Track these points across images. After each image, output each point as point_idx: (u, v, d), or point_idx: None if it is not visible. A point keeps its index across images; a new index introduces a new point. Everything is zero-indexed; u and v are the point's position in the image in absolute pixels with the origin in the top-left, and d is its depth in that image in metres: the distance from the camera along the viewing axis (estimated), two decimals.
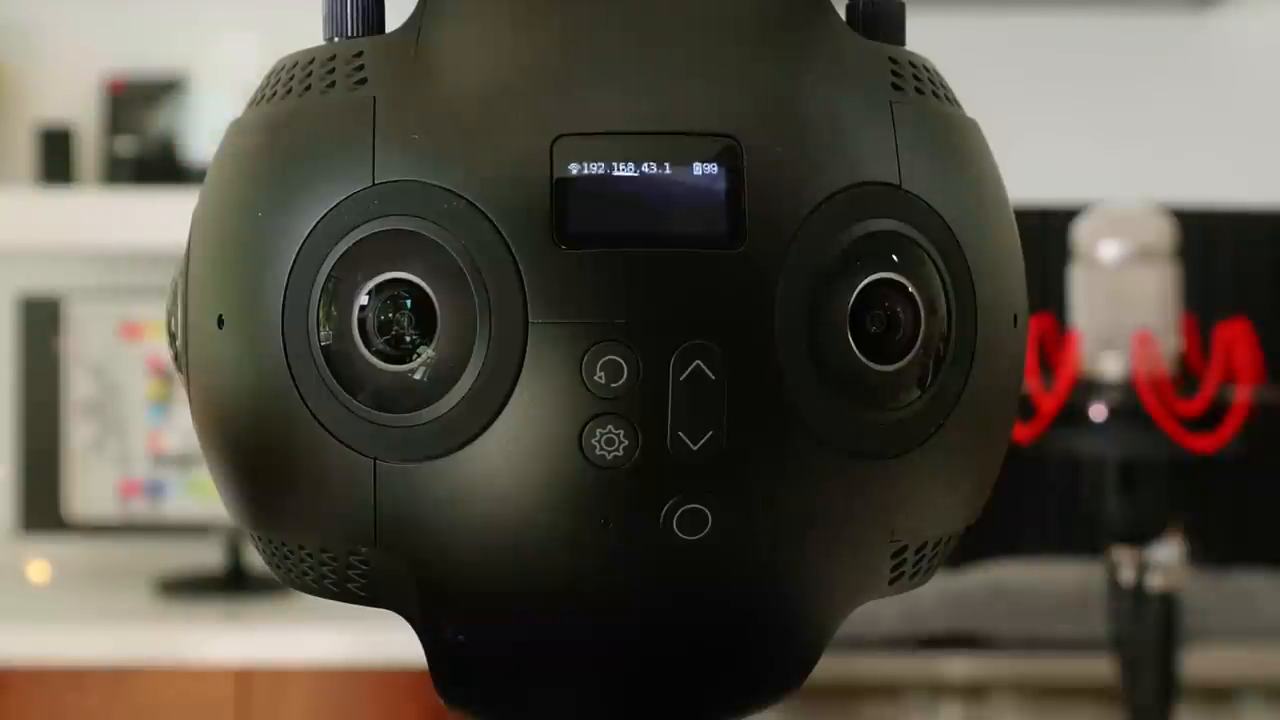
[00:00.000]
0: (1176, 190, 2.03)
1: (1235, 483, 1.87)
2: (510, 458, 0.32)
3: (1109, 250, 1.40)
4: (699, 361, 0.31)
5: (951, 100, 0.36)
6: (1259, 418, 1.29)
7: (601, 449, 0.31)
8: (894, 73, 0.35)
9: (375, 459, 0.32)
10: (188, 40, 2.14)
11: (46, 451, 2.06)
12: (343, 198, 0.32)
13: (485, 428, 0.32)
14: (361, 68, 0.34)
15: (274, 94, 0.35)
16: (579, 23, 0.33)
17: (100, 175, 2.13)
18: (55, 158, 2.07)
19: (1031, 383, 1.29)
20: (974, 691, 1.71)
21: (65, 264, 2.15)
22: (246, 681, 1.85)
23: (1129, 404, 1.29)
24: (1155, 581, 1.31)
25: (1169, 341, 1.33)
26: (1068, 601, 1.74)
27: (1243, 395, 1.28)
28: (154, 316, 2.03)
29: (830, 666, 0.44)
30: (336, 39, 0.35)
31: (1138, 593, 1.31)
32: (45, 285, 2.11)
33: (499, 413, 0.31)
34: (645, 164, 0.31)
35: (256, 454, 0.35)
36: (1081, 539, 1.63)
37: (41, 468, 2.06)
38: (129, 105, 2.13)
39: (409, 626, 0.34)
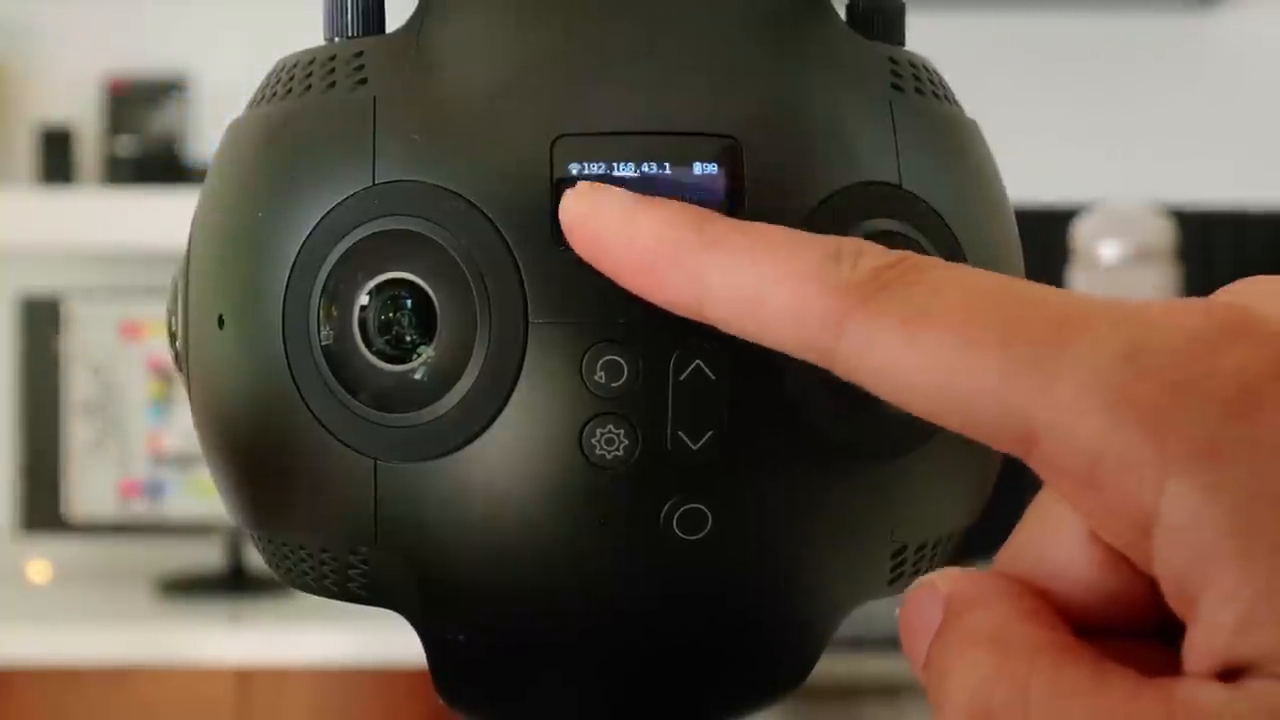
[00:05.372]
0: (1176, 190, 2.03)
1: None
2: (510, 458, 0.32)
3: (1109, 250, 1.40)
4: (699, 361, 0.31)
5: (951, 100, 0.36)
6: None
7: (601, 449, 0.31)
8: (894, 72, 0.35)
9: (375, 459, 0.32)
10: (188, 40, 2.14)
11: (46, 451, 2.06)
12: (343, 198, 0.32)
13: (485, 428, 0.32)
14: (362, 68, 0.34)
15: (274, 94, 0.35)
16: (580, 22, 0.33)
17: (100, 175, 2.13)
18: (55, 158, 2.07)
19: None
20: None
21: (65, 264, 2.15)
22: (247, 681, 1.86)
23: None
24: None
25: None
26: None
27: None
28: (154, 316, 2.03)
29: (830, 666, 0.44)
30: (336, 39, 0.35)
31: None
32: (45, 285, 2.11)
33: (499, 413, 0.31)
34: (645, 164, 0.31)
35: (257, 454, 0.35)
36: None
37: (41, 468, 2.06)
38: (129, 105, 2.13)
39: (409, 626, 0.34)
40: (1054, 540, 0.25)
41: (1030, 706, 0.23)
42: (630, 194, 0.29)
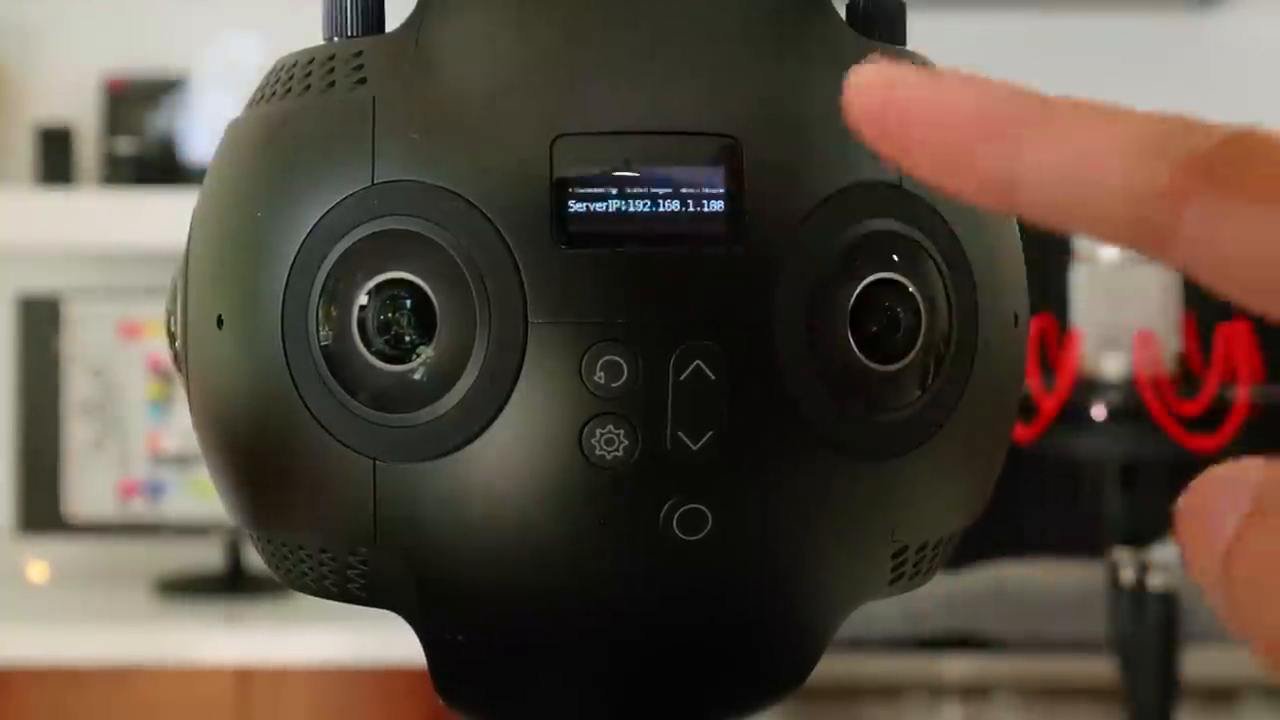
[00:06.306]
0: None
1: None
2: (510, 458, 0.32)
3: (1109, 250, 1.39)
4: (699, 361, 0.31)
5: None
6: (1259, 417, 1.29)
7: (601, 449, 0.31)
8: None
9: (375, 459, 0.32)
10: (188, 40, 2.14)
11: (46, 451, 2.06)
12: (342, 197, 0.32)
13: (485, 428, 0.32)
14: (361, 67, 0.34)
15: (273, 94, 0.35)
16: (580, 22, 0.33)
17: (100, 175, 2.13)
18: (55, 158, 2.07)
19: (1031, 383, 1.29)
20: (974, 691, 1.71)
21: (65, 264, 2.15)
22: (246, 681, 1.85)
23: (1130, 404, 1.29)
24: (1155, 581, 1.31)
25: (1169, 341, 1.33)
26: (1068, 601, 1.74)
27: (1243, 395, 1.28)
28: (154, 316, 2.03)
29: (830, 666, 0.44)
30: (336, 39, 0.35)
31: (1138, 593, 1.31)
32: (45, 285, 2.11)
33: (499, 413, 0.31)
34: (645, 164, 0.31)
35: (256, 454, 0.35)
36: (1081, 539, 1.63)
37: (41, 468, 2.06)
38: (129, 105, 2.13)
39: (409, 626, 0.34)
40: None
41: None
42: (927, 67, 0.25)
